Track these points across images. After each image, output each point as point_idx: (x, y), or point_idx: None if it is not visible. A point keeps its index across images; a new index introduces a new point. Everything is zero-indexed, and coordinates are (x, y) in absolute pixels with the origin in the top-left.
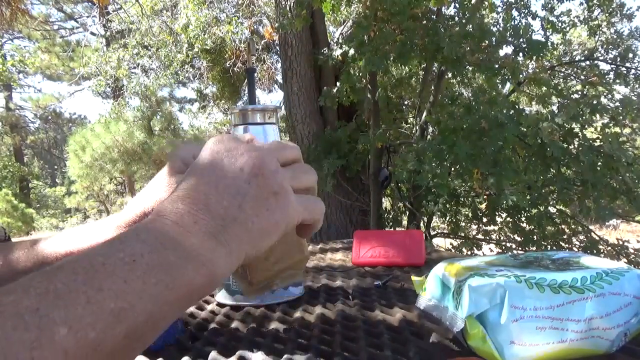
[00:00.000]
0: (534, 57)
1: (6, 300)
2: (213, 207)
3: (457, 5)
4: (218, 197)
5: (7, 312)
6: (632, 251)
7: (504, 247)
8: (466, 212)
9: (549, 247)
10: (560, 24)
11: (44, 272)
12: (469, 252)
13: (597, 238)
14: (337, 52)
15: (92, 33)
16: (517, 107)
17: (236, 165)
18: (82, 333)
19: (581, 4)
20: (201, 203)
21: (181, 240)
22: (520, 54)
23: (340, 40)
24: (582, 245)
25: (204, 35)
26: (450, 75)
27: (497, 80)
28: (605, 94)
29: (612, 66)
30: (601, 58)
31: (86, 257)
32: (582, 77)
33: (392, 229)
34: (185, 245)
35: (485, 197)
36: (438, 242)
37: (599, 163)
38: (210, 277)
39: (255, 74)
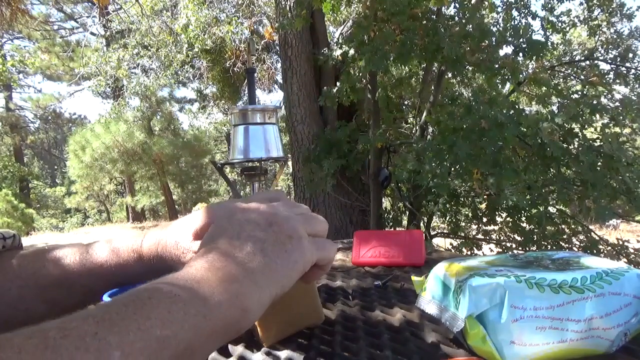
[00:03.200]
0: (534, 57)
1: (70, 325)
2: (239, 253)
3: (457, 5)
4: (242, 244)
5: (71, 335)
6: (632, 251)
7: (504, 247)
8: (466, 212)
9: (549, 247)
10: (560, 24)
11: (99, 305)
12: (469, 252)
13: (597, 238)
14: (337, 52)
15: (92, 33)
16: (517, 107)
17: (252, 219)
18: (132, 357)
19: (581, 4)
20: (229, 249)
21: (215, 278)
22: (520, 54)
23: (340, 40)
24: (582, 245)
25: (204, 35)
26: (450, 75)
27: (497, 80)
28: (605, 94)
29: (612, 66)
30: (601, 58)
31: (132, 294)
32: (582, 77)
33: (392, 229)
34: (220, 282)
35: (485, 197)
36: (438, 242)
37: (599, 163)
38: (243, 310)
39: (255, 74)
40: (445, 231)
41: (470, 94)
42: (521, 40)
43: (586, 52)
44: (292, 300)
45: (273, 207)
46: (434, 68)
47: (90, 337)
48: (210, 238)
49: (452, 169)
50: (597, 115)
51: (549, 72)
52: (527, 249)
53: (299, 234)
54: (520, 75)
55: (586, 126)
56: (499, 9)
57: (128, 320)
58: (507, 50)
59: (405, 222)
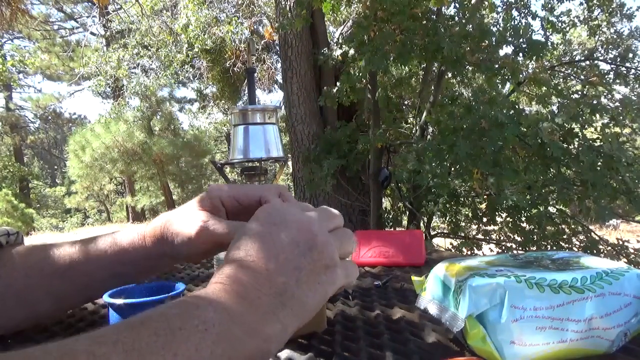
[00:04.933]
0: (534, 57)
1: (99, 351)
2: (274, 282)
3: (457, 5)
4: (278, 272)
5: None
6: (632, 251)
7: (504, 247)
8: (466, 212)
9: (549, 247)
10: (560, 24)
11: (130, 326)
12: (469, 252)
13: (597, 238)
14: (337, 52)
15: (92, 33)
16: (517, 107)
17: (292, 239)
18: None
19: (581, 4)
20: (263, 277)
21: (247, 315)
22: (520, 54)
23: (340, 40)
24: (582, 245)
25: (204, 35)
26: (450, 75)
27: (497, 80)
28: (605, 94)
29: (612, 66)
30: (601, 58)
31: (164, 317)
32: (582, 77)
33: (392, 229)
34: (250, 322)
35: (485, 197)
36: (438, 242)
37: (599, 163)
38: (267, 352)
39: (255, 74)
40: (445, 231)
41: (470, 94)
42: (521, 40)
43: (586, 52)
44: None
45: (312, 223)
46: (434, 68)
47: None
48: (244, 246)
49: (452, 169)
50: (597, 115)
51: (549, 72)
52: (527, 249)
53: (335, 262)
54: (520, 75)
55: (586, 126)
56: (499, 9)
57: (156, 356)
58: (507, 50)
59: (405, 222)
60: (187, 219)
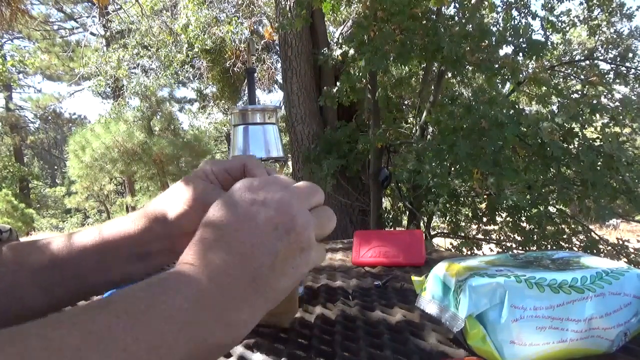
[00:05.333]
0: (534, 57)
1: (53, 334)
2: (247, 266)
3: (457, 5)
4: (252, 256)
5: (52, 347)
6: (632, 251)
7: (504, 247)
8: (466, 212)
9: (549, 247)
10: (560, 24)
11: (90, 308)
12: (469, 252)
13: (597, 238)
14: (337, 52)
15: (92, 33)
16: (517, 107)
17: (270, 220)
18: None
19: (581, 3)
20: (237, 260)
21: (216, 301)
22: (520, 54)
23: (340, 40)
24: (582, 245)
25: (204, 35)
26: (450, 75)
27: (497, 80)
28: (605, 93)
29: (612, 66)
30: (601, 58)
31: (128, 297)
32: (582, 77)
33: (392, 229)
34: (220, 308)
35: (485, 197)
36: (438, 242)
37: (599, 163)
38: (236, 338)
39: (255, 74)
40: (445, 231)
41: (470, 94)
42: (521, 40)
43: (586, 52)
44: None
45: (292, 203)
46: (434, 68)
47: (73, 352)
48: (219, 222)
49: (452, 169)
50: (597, 115)
51: (549, 72)
52: (527, 249)
53: (311, 244)
54: (520, 75)
55: (586, 126)
56: (499, 9)
57: (115, 341)
58: (507, 50)
59: (405, 222)
60: (179, 193)
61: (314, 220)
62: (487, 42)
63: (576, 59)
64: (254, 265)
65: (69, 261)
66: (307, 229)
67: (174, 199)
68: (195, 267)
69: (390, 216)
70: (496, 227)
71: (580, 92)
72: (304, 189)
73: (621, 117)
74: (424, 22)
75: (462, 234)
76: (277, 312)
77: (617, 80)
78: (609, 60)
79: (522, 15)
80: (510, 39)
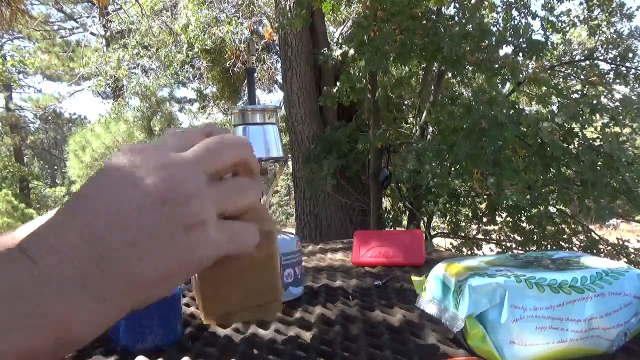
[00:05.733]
0: (534, 57)
1: None
2: (93, 243)
3: (457, 5)
4: (105, 231)
5: None
6: (632, 251)
7: (504, 247)
8: (466, 212)
9: (549, 247)
10: (560, 24)
11: None
12: (469, 252)
13: (597, 238)
14: (337, 52)
15: (92, 33)
16: (517, 107)
17: (141, 188)
18: None
19: (581, 3)
20: (79, 236)
21: (34, 288)
22: (520, 54)
23: (340, 40)
24: (582, 245)
25: (204, 35)
26: (450, 75)
27: (497, 80)
28: (605, 93)
29: (612, 66)
30: (601, 58)
31: None
32: (582, 77)
33: (392, 229)
34: (37, 297)
35: (485, 197)
36: (438, 242)
37: (599, 163)
38: (64, 337)
39: (255, 74)
40: (445, 231)
41: (470, 94)
42: (521, 40)
43: (586, 52)
44: (239, 273)
45: (181, 166)
46: (434, 68)
47: None
48: (75, 194)
49: (452, 169)
50: (597, 115)
51: (549, 72)
52: (527, 249)
53: (204, 220)
54: (520, 75)
55: (586, 126)
56: (499, 9)
57: None
58: (507, 50)
59: (405, 222)
60: None
61: (213, 189)
62: (487, 42)
63: (576, 59)
64: (106, 240)
65: None
66: (195, 200)
67: None
68: (20, 250)
69: (390, 216)
70: (496, 227)
71: (580, 92)
72: (203, 147)
73: (621, 117)
74: (424, 22)
75: (462, 234)
76: (257, 303)
77: (617, 80)
78: (609, 60)
79: (522, 15)
80: (510, 39)
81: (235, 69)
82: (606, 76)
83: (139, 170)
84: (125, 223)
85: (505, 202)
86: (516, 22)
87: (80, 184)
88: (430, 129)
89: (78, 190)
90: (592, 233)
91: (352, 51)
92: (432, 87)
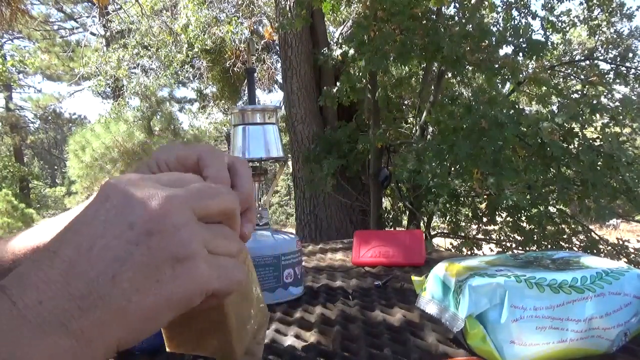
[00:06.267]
0: (534, 57)
1: None
2: (73, 278)
3: (457, 5)
4: (85, 263)
5: None
6: (632, 251)
7: (504, 247)
8: (466, 212)
9: (549, 247)
10: (560, 24)
11: None
12: (469, 252)
13: (597, 238)
14: (337, 52)
15: (92, 33)
16: (517, 107)
17: (126, 218)
18: None
19: (581, 3)
20: (60, 272)
21: (10, 331)
22: (520, 54)
23: (340, 40)
24: (582, 245)
25: (204, 35)
26: (450, 75)
27: (497, 80)
28: (605, 93)
29: (612, 66)
30: (601, 58)
31: None
32: (582, 77)
33: (392, 229)
34: (14, 340)
35: (485, 197)
36: (438, 242)
37: (599, 163)
38: None
39: (255, 74)
40: (445, 231)
41: (470, 94)
42: (521, 40)
43: (586, 52)
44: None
45: (170, 199)
46: (434, 68)
47: None
48: (57, 238)
49: (452, 169)
50: (597, 115)
51: (549, 72)
52: (527, 249)
53: (192, 253)
54: (520, 75)
55: (586, 126)
56: (499, 9)
57: None
58: (507, 50)
59: (405, 222)
60: None
61: (206, 228)
62: (487, 42)
63: (576, 59)
64: (87, 275)
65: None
66: (183, 232)
67: None
68: (1, 286)
69: (390, 216)
70: (496, 227)
71: (580, 92)
72: (195, 188)
73: (621, 117)
74: (424, 22)
75: (462, 234)
76: (257, 326)
77: (617, 80)
78: (609, 60)
79: (522, 15)
80: (510, 39)
81: (235, 69)
82: (606, 76)
83: (126, 201)
84: (108, 256)
85: (505, 202)
86: (516, 22)
87: (80, 202)
88: (430, 129)
89: (67, 224)
90: (592, 233)
91: (352, 51)
92: (432, 87)
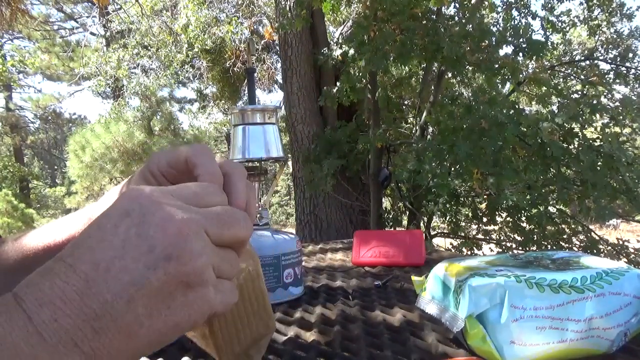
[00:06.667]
0: (534, 57)
1: None
2: (89, 298)
3: (457, 5)
4: (102, 284)
5: None
6: (632, 251)
7: (504, 247)
8: (466, 212)
9: (549, 247)
10: (560, 24)
11: None
12: (469, 252)
13: (597, 238)
14: (337, 52)
15: (92, 33)
16: (517, 107)
17: (146, 240)
18: None
19: (581, 3)
20: (76, 290)
21: (24, 348)
22: (520, 54)
23: (340, 40)
24: (582, 245)
25: (204, 35)
26: (450, 75)
27: (497, 80)
28: (605, 93)
29: (612, 66)
30: (601, 58)
31: None
32: (582, 77)
33: (392, 229)
34: (30, 356)
35: (485, 197)
36: (438, 242)
37: (599, 163)
38: None
39: (255, 74)
40: (445, 231)
41: (470, 94)
42: (521, 40)
43: (586, 52)
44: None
45: (189, 223)
46: (434, 68)
47: None
48: (79, 238)
49: (452, 169)
50: (597, 115)
51: (549, 72)
52: (527, 249)
53: (203, 280)
54: (520, 75)
55: (586, 126)
56: (499, 9)
57: None
58: (507, 50)
59: (405, 222)
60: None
61: (217, 253)
62: (487, 42)
63: (576, 59)
64: (103, 296)
65: (36, 260)
66: (199, 259)
67: None
68: (17, 298)
69: (390, 216)
70: (496, 227)
71: (580, 92)
72: (221, 214)
73: (621, 117)
74: (424, 22)
75: (462, 234)
76: (253, 338)
77: (617, 80)
78: (609, 60)
79: (522, 15)
80: (510, 39)
81: (235, 69)
82: (606, 76)
83: (147, 220)
84: (125, 279)
85: (505, 202)
86: (516, 22)
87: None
88: (430, 129)
89: (82, 234)
90: (592, 233)
91: (352, 51)
92: (432, 87)
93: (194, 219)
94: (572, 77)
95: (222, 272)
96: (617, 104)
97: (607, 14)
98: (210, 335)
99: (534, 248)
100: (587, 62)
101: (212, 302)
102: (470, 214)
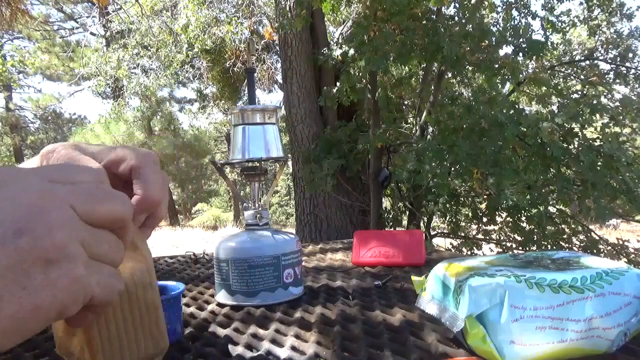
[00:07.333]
0: (534, 57)
1: None
2: None
3: (457, 5)
4: None
5: None
6: (632, 251)
7: (504, 247)
8: (466, 212)
9: (549, 247)
10: (560, 24)
11: None
12: (469, 252)
13: (597, 238)
14: (337, 52)
15: (92, 33)
16: (517, 107)
17: None
18: None
19: (581, 3)
20: None
21: None
22: (520, 54)
23: (340, 40)
24: (582, 245)
25: (204, 35)
26: (450, 75)
27: (497, 80)
28: (605, 93)
29: (612, 66)
30: (601, 58)
31: None
32: (582, 77)
33: (392, 229)
34: None
35: (485, 197)
36: (438, 242)
37: (599, 163)
38: None
39: (255, 74)
40: (445, 231)
41: (470, 94)
42: (521, 40)
43: (586, 52)
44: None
45: (49, 195)
46: (434, 68)
47: None
48: None
49: (452, 169)
50: (597, 115)
51: (549, 72)
52: (527, 249)
53: (67, 254)
54: (520, 75)
55: (586, 126)
56: (499, 9)
57: None
58: (507, 50)
59: (405, 222)
60: None
61: (87, 229)
62: (487, 42)
63: (576, 59)
64: None
65: None
66: (59, 232)
67: None
68: None
69: (390, 216)
70: (496, 227)
71: (580, 92)
72: (91, 187)
73: (621, 117)
74: (424, 22)
75: (462, 234)
76: (140, 358)
77: (617, 80)
78: (609, 60)
79: (522, 15)
80: (510, 39)
81: (235, 69)
82: (606, 76)
83: (8, 194)
84: None
85: (505, 202)
86: (516, 22)
87: None
88: (430, 129)
89: None
90: (592, 233)
91: (352, 51)
92: (432, 87)
93: (53, 190)
94: (572, 77)
95: (99, 253)
96: (617, 104)
97: (607, 14)
98: (89, 350)
99: (534, 248)
100: (587, 62)
101: (83, 280)
102: (470, 214)
